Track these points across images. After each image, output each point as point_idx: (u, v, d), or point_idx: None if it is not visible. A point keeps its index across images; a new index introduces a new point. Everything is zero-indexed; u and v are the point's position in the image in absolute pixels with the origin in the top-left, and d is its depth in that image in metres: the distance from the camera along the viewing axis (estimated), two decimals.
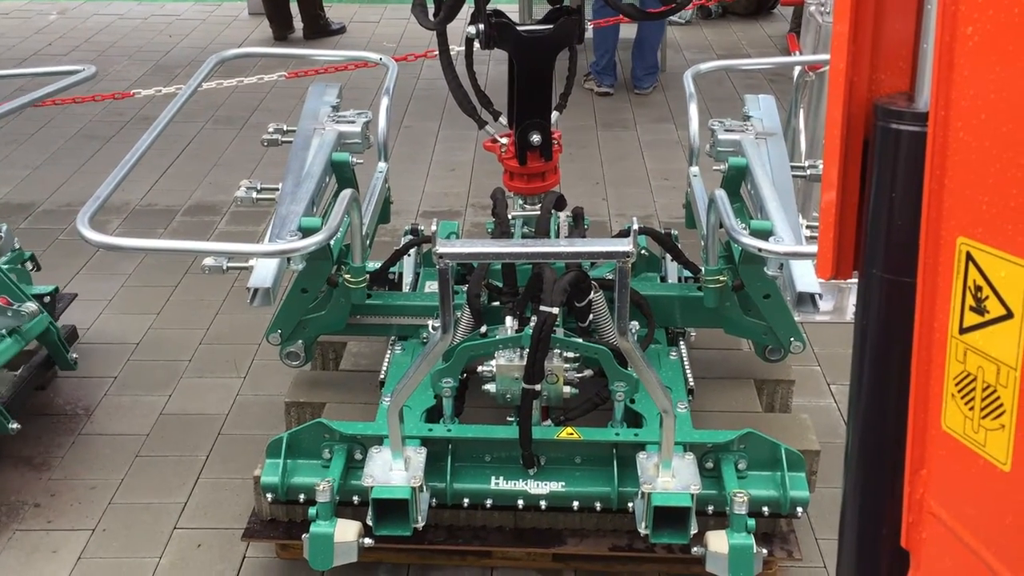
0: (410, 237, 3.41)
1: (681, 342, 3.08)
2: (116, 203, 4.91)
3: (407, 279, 3.32)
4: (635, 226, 2.15)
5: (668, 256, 3.26)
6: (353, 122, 3.19)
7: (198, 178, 5.35)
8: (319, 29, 7.88)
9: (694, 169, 3.25)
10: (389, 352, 3.02)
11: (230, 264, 2.64)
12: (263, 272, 2.69)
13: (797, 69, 4.11)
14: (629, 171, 5.44)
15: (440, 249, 2.11)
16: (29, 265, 3.68)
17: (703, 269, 2.91)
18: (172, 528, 2.95)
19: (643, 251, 3.31)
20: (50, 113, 6.03)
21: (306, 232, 2.54)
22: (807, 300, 2.63)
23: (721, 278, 2.87)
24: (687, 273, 3.21)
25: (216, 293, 4.15)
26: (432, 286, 3.21)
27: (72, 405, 3.50)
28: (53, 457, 3.24)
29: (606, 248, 2.18)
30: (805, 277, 2.66)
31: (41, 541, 2.91)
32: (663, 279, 3.29)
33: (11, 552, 2.86)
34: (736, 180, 3.03)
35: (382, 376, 2.92)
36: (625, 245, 2.10)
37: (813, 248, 2.38)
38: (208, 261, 2.62)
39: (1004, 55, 0.87)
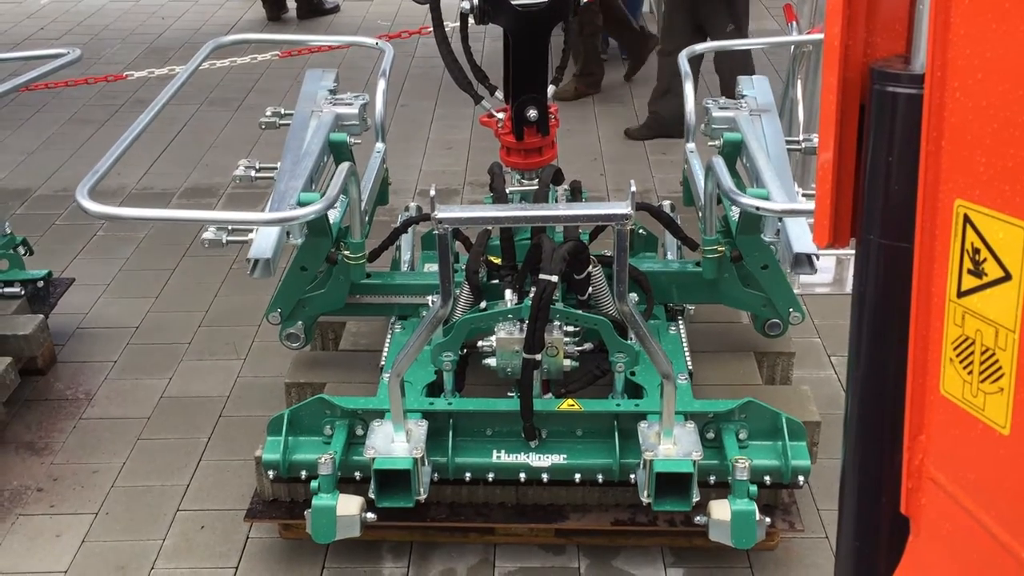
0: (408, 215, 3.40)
1: (680, 319, 3.08)
2: (112, 187, 4.88)
3: (404, 257, 3.32)
4: (632, 188, 2.14)
5: (666, 232, 3.25)
6: (351, 104, 3.18)
7: (194, 161, 5.33)
8: (313, 8, 7.83)
9: (690, 145, 3.24)
10: (389, 334, 3.02)
11: (230, 237, 2.63)
12: (263, 243, 2.69)
13: None
14: (627, 146, 5.42)
15: (439, 214, 2.10)
16: (21, 250, 3.67)
17: (701, 239, 2.90)
18: (175, 510, 2.96)
19: (641, 230, 3.31)
20: (43, 98, 6.00)
21: (305, 206, 2.53)
22: (804, 261, 2.62)
23: (719, 248, 2.87)
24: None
25: (215, 275, 4.15)
26: (432, 267, 3.20)
27: (73, 390, 3.51)
28: (55, 442, 3.25)
29: (605, 211, 2.17)
30: (801, 239, 2.65)
31: (44, 525, 2.91)
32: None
33: (15, 536, 2.87)
34: (732, 156, 3.02)
35: (382, 362, 2.91)
36: (623, 208, 2.09)
37: (810, 205, 2.36)
38: (208, 235, 2.61)
39: (1000, 13, 0.86)
